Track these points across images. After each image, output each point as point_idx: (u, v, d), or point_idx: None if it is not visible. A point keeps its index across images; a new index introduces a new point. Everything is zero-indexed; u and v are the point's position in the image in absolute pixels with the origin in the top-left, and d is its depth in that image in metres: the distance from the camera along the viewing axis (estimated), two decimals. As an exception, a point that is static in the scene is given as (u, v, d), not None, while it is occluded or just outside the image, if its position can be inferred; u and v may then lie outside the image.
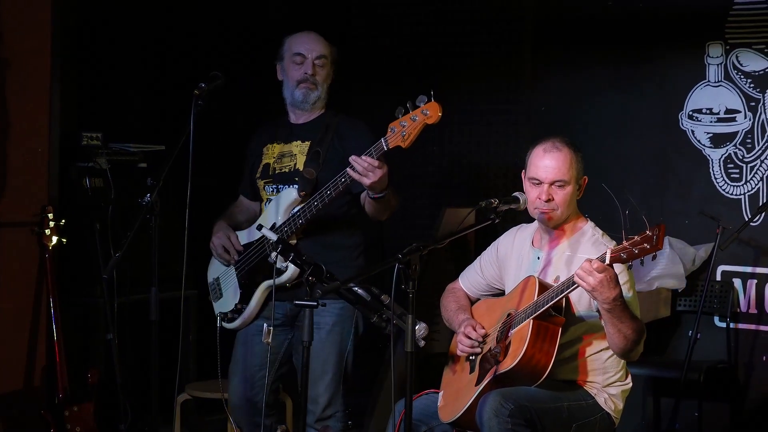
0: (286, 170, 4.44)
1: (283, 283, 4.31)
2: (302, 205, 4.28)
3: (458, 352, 4.04)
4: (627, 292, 3.72)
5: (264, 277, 4.36)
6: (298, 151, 4.45)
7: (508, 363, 3.76)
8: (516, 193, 3.89)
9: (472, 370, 3.98)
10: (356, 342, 4.44)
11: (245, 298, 4.41)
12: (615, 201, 3.68)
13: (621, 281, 3.64)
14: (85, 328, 5.31)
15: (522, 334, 3.76)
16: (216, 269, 4.54)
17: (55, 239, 4.85)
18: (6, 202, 4.89)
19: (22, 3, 4.92)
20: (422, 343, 3.91)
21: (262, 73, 4.71)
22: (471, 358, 4.02)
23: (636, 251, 3.42)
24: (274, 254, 3.87)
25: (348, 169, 4.13)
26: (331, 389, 4.40)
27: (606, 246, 3.69)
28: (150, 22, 5.99)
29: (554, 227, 3.96)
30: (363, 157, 4.10)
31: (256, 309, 4.41)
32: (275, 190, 4.43)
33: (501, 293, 4.19)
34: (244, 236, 4.49)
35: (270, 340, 3.89)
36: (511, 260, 4.12)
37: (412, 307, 3.48)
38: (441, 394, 4.07)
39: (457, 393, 3.98)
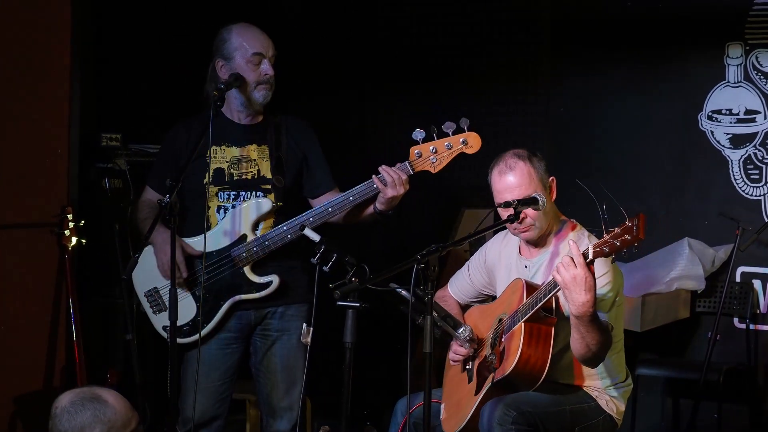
0: (249, 177, 4.26)
1: (262, 296, 4.25)
2: (304, 216, 4.18)
3: (451, 362, 4.04)
4: (606, 293, 3.69)
5: (231, 292, 4.22)
6: (257, 156, 4.28)
7: (505, 368, 3.72)
8: (535, 194, 3.84)
9: (470, 380, 3.97)
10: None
11: (205, 313, 4.21)
12: (592, 196, 3.62)
13: (602, 282, 3.64)
14: (105, 328, 5.29)
15: (515, 337, 3.72)
16: (154, 279, 4.27)
17: (74, 240, 4.77)
18: (26, 203, 4.84)
19: (41, 5, 4.88)
20: (467, 346, 3.90)
21: (282, 72, 4.69)
22: (468, 366, 4.01)
23: (617, 243, 3.35)
24: (317, 256, 3.76)
25: (374, 177, 4.10)
26: (300, 397, 4.32)
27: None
28: (169, 23, 5.98)
29: (539, 238, 3.93)
30: (395, 169, 4.09)
31: (217, 324, 4.24)
32: (233, 196, 4.25)
33: (491, 298, 4.18)
34: (195, 245, 4.24)
35: (309, 340, 3.83)
36: (500, 268, 4.10)
37: (430, 308, 3.48)
38: (442, 406, 4.04)
39: (458, 404, 3.96)
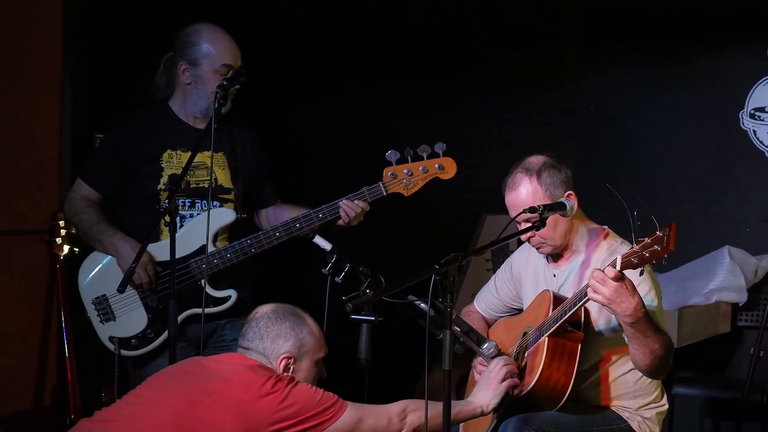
0: (206, 185, 4.28)
1: (221, 311, 4.27)
2: (270, 230, 4.22)
3: (475, 378, 3.97)
4: (651, 301, 3.61)
5: (187, 304, 4.20)
6: (213, 164, 4.29)
7: (525, 386, 3.67)
8: (562, 199, 3.71)
9: None
10: None
11: (157, 325, 4.24)
12: (623, 202, 3.55)
13: (644, 290, 3.54)
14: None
15: (538, 353, 3.66)
16: (102, 286, 4.26)
17: (66, 248, 4.72)
18: (15, 209, 4.82)
19: (33, 4, 4.91)
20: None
21: (282, 70, 4.55)
22: None
23: (647, 254, 3.27)
24: (328, 266, 3.80)
25: (341, 210, 4.19)
26: None
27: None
28: (164, 23, 5.94)
29: (558, 252, 3.86)
30: (356, 202, 4.20)
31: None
32: (188, 204, 4.28)
33: (519, 311, 4.14)
34: (153, 253, 4.25)
35: None
36: (528, 278, 4.06)
37: (449, 321, 3.33)
38: (462, 424, 3.99)
39: (477, 421, 3.88)
